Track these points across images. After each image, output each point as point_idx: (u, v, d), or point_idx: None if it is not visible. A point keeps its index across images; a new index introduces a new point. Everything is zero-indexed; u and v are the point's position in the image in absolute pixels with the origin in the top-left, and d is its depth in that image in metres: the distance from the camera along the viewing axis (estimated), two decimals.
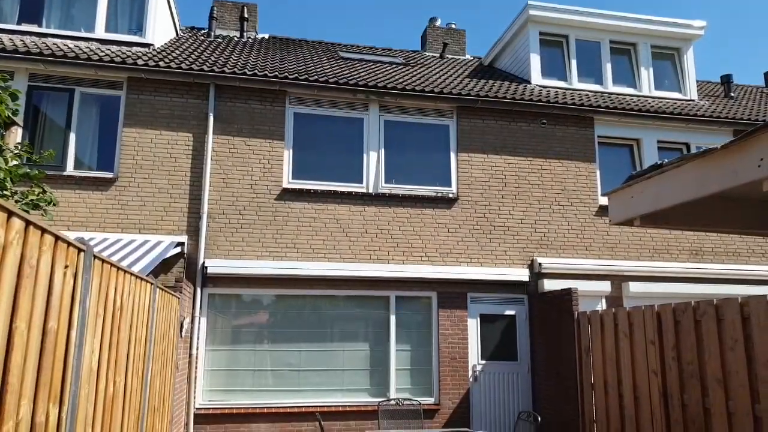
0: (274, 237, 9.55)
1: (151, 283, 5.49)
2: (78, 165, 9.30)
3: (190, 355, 8.64)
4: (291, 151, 9.97)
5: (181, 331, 7.62)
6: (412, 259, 9.96)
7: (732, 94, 13.66)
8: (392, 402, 7.09)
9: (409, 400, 7.20)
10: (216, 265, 9.01)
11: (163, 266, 8.77)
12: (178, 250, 8.88)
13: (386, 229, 9.98)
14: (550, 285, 9.97)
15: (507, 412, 9.78)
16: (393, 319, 9.77)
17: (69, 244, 3.24)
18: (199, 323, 8.94)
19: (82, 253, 3.48)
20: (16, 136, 8.48)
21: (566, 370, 8.82)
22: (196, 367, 8.75)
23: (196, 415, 8.61)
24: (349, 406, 9.22)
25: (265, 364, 9.24)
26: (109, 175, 9.23)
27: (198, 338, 8.86)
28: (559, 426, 8.93)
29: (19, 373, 2.62)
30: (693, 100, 12.35)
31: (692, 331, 6.26)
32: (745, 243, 11.22)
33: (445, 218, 10.21)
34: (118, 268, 4.29)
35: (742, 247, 11.20)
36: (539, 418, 5.58)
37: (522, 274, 10.11)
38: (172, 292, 7.02)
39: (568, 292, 8.95)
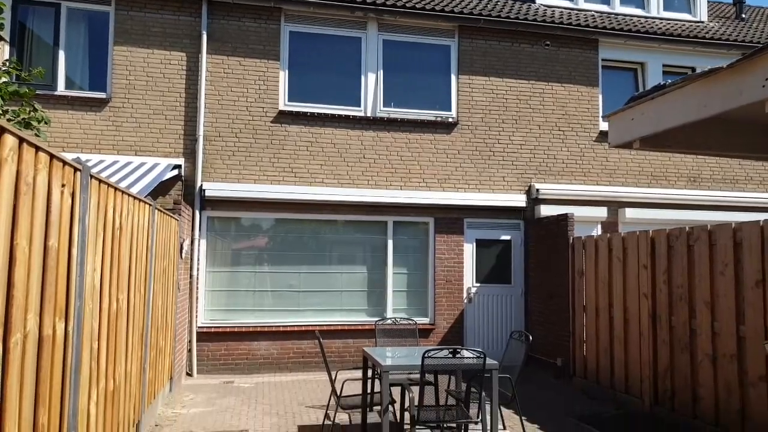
0: (271, 161, 9.49)
1: (150, 204, 5.51)
2: (69, 85, 9.09)
3: (191, 276, 8.81)
4: (287, 72, 9.72)
5: (181, 252, 7.73)
6: (410, 184, 9.96)
7: (743, 16, 13.19)
8: (389, 321, 7.31)
9: (406, 319, 7.42)
10: (214, 189, 9.01)
11: (161, 189, 8.77)
12: (176, 172, 8.85)
13: (384, 154, 9.91)
14: (546, 210, 10.04)
15: (500, 332, 10.13)
16: (390, 243, 9.90)
17: (65, 163, 3.22)
18: (199, 245, 9.05)
19: (78, 173, 3.47)
20: (3, 52, 8.23)
21: (559, 293, 9.06)
22: (197, 288, 8.95)
23: (198, 333, 8.91)
24: (347, 325, 9.53)
25: (265, 286, 9.45)
26: (101, 95, 9.04)
27: (198, 260, 9.01)
28: (549, 346, 9.28)
29: (23, 288, 2.67)
30: (702, 22, 11.94)
31: (684, 256, 6.38)
32: (743, 169, 11.21)
33: (444, 143, 10.12)
34: (116, 189, 4.28)
35: (740, 174, 11.20)
36: (530, 338, 5.79)
37: (519, 200, 10.15)
38: (171, 214, 7.06)
39: (564, 218, 9.03)
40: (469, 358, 4.88)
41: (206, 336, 8.97)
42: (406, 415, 5.99)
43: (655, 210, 10.59)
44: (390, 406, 6.10)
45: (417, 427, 5.97)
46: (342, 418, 6.52)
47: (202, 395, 7.57)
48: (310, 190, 9.45)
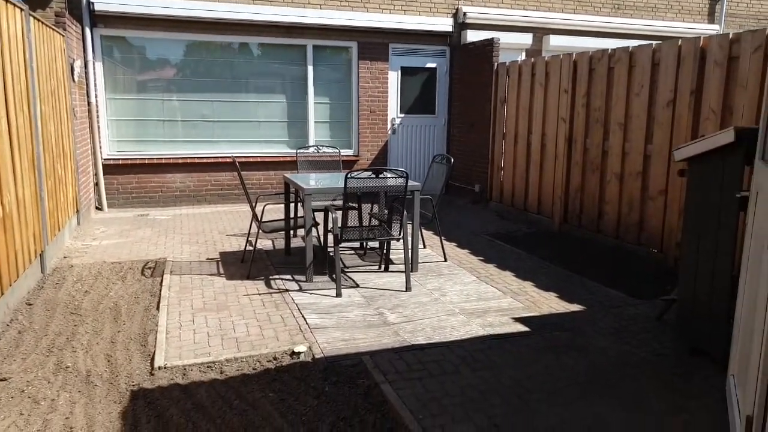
0: None
1: (21, 9, 4.67)
2: None
3: (89, 103, 8.00)
4: None
5: (72, 74, 6.88)
6: (330, 3, 9.14)
7: None
8: (310, 150, 7.08)
9: (328, 147, 7.22)
10: (104, 1, 7.86)
11: (38, 1, 7.54)
12: None
13: None
14: (473, 36, 9.66)
15: (423, 163, 10.22)
16: (311, 70, 9.32)
17: None
18: (94, 68, 8.11)
19: None
20: None
21: (481, 121, 9.07)
22: (97, 116, 8.19)
23: (105, 166, 8.34)
24: (267, 156, 9.24)
25: (175, 115, 8.80)
26: None
27: (95, 85, 8.13)
28: (469, 174, 9.51)
29: None
30: None
31: (604, 78, 6.39)
32: None
33: None
34: None
35: (662, 2, 11.10)
36: (452, 160, 5.79)
37: (446, 24, 9.65)
38: (54, 28, 6.12)
39: (489, 43, 8.74)
40: (392, 177, 4.82)
41: (114, 168, 8.44)
42: (331, 238, 6.06)
43: (579, 38, 10.47)
44: (314, 229, 6.13)
45: (341, 246, 6.09)
46: (265, 244, 6.53)
47: (115, 227, 7.29)
48: (218, 6, 8.47)
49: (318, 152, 7.02)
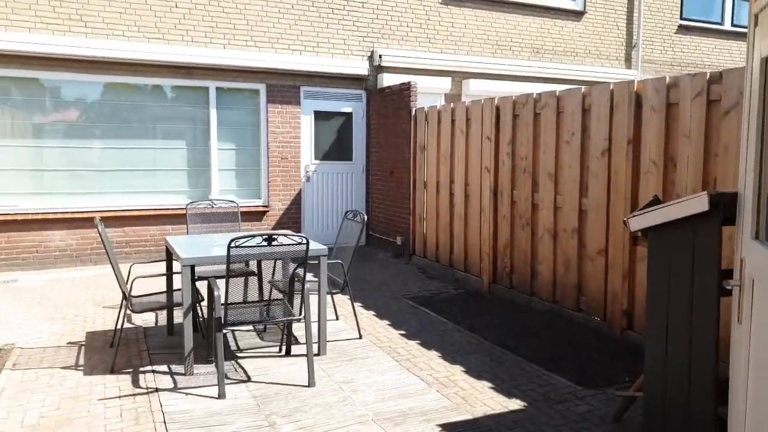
0: (51, 4, 7.24)
1: None
2: None
3: None
4: None
5: None
6: (235, 43, 8.33)
7: None
8: (204, 203, 6.08)
9: (225, 200, 6.25)
10: None
11: None
12: None
13: (202, 3, 8.07)
14: (390, 80, 9.09)
15: (340, 210, 9.41)
16: (214, 114, 8.40)
17: None
18: None
19: None
20: None
21: (400, 169, 8.41)
22: None
23: None
24: (164, 209, 8.14)
25: (57, 164, 7.58)
26: None
27: None
28: (390, 224, 8.78)
29: None
30: None
31: (531, 125, 5.87)
32: (583, 43, 11.09)
33: None
34: None
35: (580, 47, 11.08)
36: (365, 218, 5.00)
37: (361, 67, 9.05)
38: None
39: (406, 87, 8.17)
40: (289, 245, 3.93)
41: None
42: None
43: (500, 82, 10.16)
44: (198, 305, 5.10)
45: (231, 329, 5.07)
46: (147, 319, 5.43)
47: None
48: (107, 44, 7.47)
49: (213, 207, 6.03)
